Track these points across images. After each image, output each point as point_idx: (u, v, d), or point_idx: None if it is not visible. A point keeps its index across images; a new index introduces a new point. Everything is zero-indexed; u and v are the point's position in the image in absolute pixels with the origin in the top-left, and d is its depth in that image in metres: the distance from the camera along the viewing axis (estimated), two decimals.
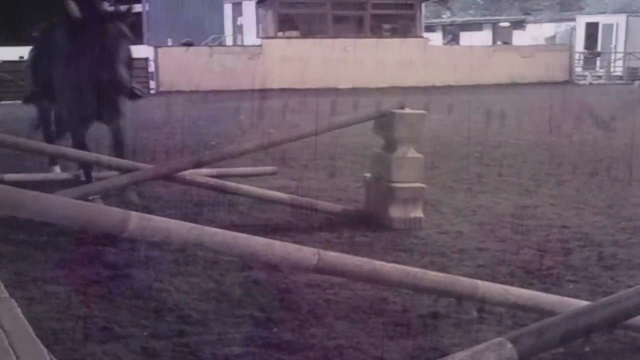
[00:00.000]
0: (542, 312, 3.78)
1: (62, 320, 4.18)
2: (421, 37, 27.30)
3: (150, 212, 3.23)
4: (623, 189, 7.95)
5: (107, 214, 3.21)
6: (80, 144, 6.99)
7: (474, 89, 21.47)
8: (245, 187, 6.65)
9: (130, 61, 7.05)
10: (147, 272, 5.06)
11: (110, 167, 6.77)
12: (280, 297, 4.59)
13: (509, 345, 2.91)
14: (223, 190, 6.62)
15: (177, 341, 3.93)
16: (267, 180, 7.70)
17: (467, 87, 22.96)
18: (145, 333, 4.04)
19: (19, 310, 2.74)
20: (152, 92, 22.08)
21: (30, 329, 2.73)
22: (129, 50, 6.98)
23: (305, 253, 3.47)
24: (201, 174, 6.69)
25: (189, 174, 6.48)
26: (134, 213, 3.16)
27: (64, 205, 3.13)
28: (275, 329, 4.12)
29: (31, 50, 8.39)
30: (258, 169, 8.05)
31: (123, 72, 6.63)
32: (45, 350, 2.66)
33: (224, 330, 4.08)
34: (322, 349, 3.89)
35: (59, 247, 5.53)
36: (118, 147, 6.99)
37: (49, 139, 8.32)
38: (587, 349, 3.82)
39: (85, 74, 6.76)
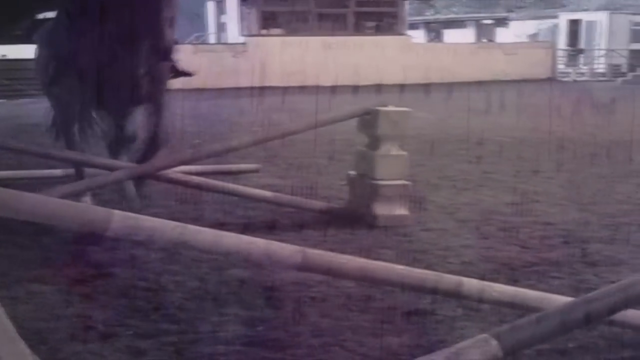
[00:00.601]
0: (526, 309, 3.78)
1: (46, 319, 4.16)
2: (404, 34, 27.28)
3: (134, 211, 3.21)
4: (607, 185, 7.98)
5: (90, 213, 3.18)
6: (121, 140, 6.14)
7: (458, 87, 21.48)
8: (230, 185, 6.63)
9: (175, 22, 5.54)
10: (131, 270, 5.05)
11: (93, 166, 6.66)
12: (265, 295, 4.58)
13: (494, 341, 2.90)
14: (207, 189, 6.59)
15: (162, 340, 3.92)
16: (251, 178, 7.68)
17: (450, 85, 22.98)
18: (130, 332, 4.02)
19: (1, 310, 2.72)
20: None
21: (13, 329, 2.71)
22: (176, 6, 5.57)
23: (290, 251, 3.46)
24: (185, 172, 6.66)
25: (172, 172, 6.45)
26: (117, 212, 3.14)
27: (46, 204, 3.10)
28: (260, 327, 4.11)
29: (43, 37, 6.82)
30: (240, 166, 8.03)
31: (170, 35, 5.39)
32: (28, 350, 2.64)
33: (209, 329, 4.07)
34: (308, 347, 3.89)
35: (43, 246, 5.50)
36: (153, 141, 6.07)
37: (72, 144, 6.85)
38: (570, 345, 3.83)
39: (123, 36, 5.45)
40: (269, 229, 6.09)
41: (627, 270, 5.03)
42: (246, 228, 5.71)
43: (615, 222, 6.41)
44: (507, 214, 6.71)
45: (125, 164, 6.48)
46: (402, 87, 17.37)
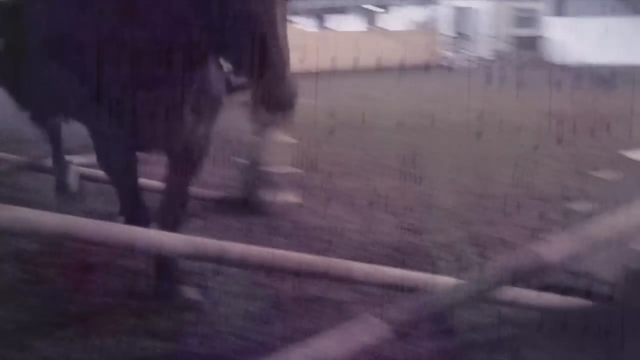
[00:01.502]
0: (414, 290, 3.86)
1: None
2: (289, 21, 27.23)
3: (16, 203, 3.12)
4: (492, 168, 8.17)
5: None
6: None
7: (343, 74, 21.64)
8: None
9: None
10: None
11: None
12: (154, 285, 4.52)
13: (380, 321, 2.97)
14: (96, 180, 6.46)
15: None
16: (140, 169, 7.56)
17: (336, 72, 23.11)
18: None
19: None
20: None
21: None
22: None
23: (181, 240, 3.45)
24: (73, 162, 6.50)
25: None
26: None
27: None
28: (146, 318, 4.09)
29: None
30: None
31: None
32: None
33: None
34: (199, 336, 3.89)
35: None
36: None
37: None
38: (456, 323, 3.92)
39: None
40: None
41: (510, 250, 5.17)
42: None
43: (500, 204, 6.58)
44: (397, 198, 6.81)
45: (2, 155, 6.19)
46: None
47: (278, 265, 3.74)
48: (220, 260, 3.76)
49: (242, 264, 3.74)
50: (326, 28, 36.68)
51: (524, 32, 28.12)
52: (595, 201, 4.29)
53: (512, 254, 4.42)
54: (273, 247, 4.07)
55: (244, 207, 6.30)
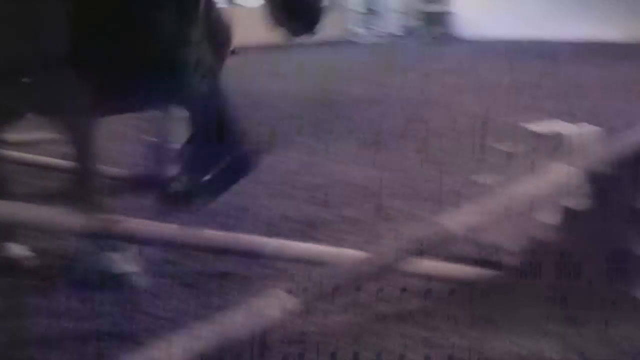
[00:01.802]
0: (323, 264, 3.90)
1: None
2: None
3: None
4: (400, 144, 8.25)
5: None
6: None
7: (250, 51, 21.55)
8: (28, 156, 6.40)
9: None
10: None
11: None
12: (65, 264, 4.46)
13: (289, 296, 3.00)
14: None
15: None
16: (47, 148, 7.42)
17: (247, 49, 22.96)
18: None
19: None
20: None
21: None
22: None
23: (92, 219, 3.42)
24: None
25: None
26: None
27: None
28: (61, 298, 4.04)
29: None
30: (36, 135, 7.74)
31: None
32: None
33: None
34: (112, 315, 3.86)
35: None
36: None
37: None
38: (363, 295, 3.97)
39: None
40: (66, 198, 5.91)
41: (416, 222, 5.26)
42: (45, 199, 5.51)
43: (406, 177, 6.67)
44: (308, 174, 6.85)
45: None
46: None
47: (187, 242, 3.74)
48: (130, 239, 3.75)
49: (151, 241, 3.74)
50: (235, 4, 36.45)
51: (433, 7, 28.33)
52: (498, 173, 4.38)
53: (418, 227, 4.51)
54: (181, 224, 4.07)
55: (153, 185, 6.22)
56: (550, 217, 3.99)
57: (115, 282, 4.22)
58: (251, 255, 4.06)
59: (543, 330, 3.69)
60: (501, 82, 12.64)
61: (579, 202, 3.96)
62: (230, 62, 4.66)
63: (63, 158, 6.67)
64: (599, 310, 3.78)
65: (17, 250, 4.52)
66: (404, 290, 4.11)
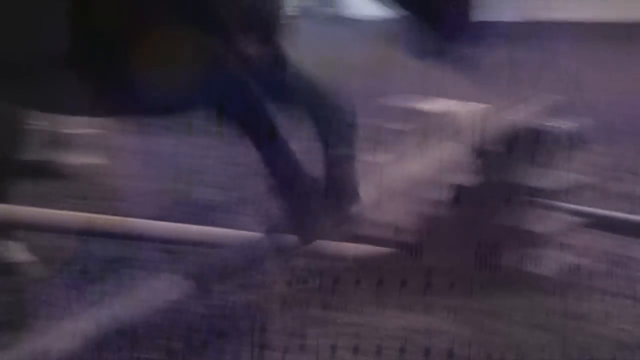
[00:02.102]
0: (218, 246, 3.90)
1: None
2: None
3: None
4: (292, 126, 8.24)
5: None
6: None
7: None
8: None
9: None
10: None
11: None
12: None
13: (183, 278, 3.00)
14: None
15: None
16: None
17: None
18: None
19: None
20: None
21: None
22: None
23: None
24: None
25: None
26: None
27: None
28: None
29: None
30: None
31: None
32: None
33: None
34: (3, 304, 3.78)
35: None
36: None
37: None
38: (260, 277, 3.98)
39: None
40: None
41: None
42: None
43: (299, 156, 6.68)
44: (199, 156, 6.79)
45: None
46: None
47: (80, 228, 3.69)
48: (18, 226, 3.67)
49: (40, 228, 3.67)
50: None
51: None
52: (389, 151, 4.44)
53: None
54: (72, 210, 4.01)
55: (41, 170, 6.09)
56: (440, 194, 4.07)
57: (7, 270, 4.14)
58: (145, 238, 4.02)
59: (437, 305, 3.77)
60: (394, 61, 12.73)
61: (469, 179, 4.06)
62: None
63: None
64: (492, 286, 3.89)
65: None
66: (302, 270, 4.14)
